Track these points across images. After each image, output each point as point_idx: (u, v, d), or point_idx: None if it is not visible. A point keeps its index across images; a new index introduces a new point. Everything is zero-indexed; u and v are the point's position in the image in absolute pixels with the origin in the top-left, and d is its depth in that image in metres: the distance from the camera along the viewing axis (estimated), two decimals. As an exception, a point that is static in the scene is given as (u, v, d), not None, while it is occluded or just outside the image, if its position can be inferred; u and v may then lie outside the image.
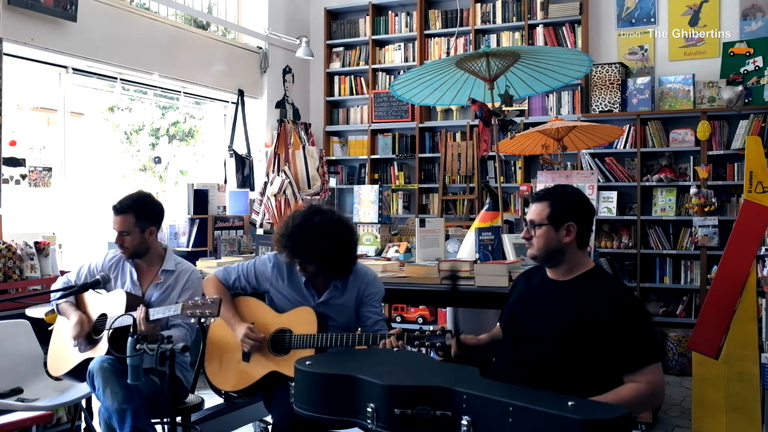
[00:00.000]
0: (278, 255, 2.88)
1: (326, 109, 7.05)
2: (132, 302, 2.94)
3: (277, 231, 2.84)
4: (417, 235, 3.65)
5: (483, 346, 2.50)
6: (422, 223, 3.74)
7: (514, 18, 6.26)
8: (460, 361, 2.39)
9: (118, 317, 2.78)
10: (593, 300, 2.18)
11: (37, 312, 3.52)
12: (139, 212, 3.05)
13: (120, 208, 3.03)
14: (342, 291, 2.86)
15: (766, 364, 3.52)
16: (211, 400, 3.63)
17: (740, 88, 5.37)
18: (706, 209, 5.34)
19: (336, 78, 7.06)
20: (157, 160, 6.53)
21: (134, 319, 2.55)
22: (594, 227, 4.03)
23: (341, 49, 7.02)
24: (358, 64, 6.94)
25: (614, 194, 5.72)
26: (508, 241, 3.51)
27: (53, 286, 3.26)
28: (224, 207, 5.25)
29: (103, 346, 2.90)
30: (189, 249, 4.89)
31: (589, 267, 2.31)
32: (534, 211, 2.33)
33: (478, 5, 6.40)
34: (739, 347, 3.63)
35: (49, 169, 4.58)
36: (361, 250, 4.14)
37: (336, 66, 7.02)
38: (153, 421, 2.82)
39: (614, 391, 2.06)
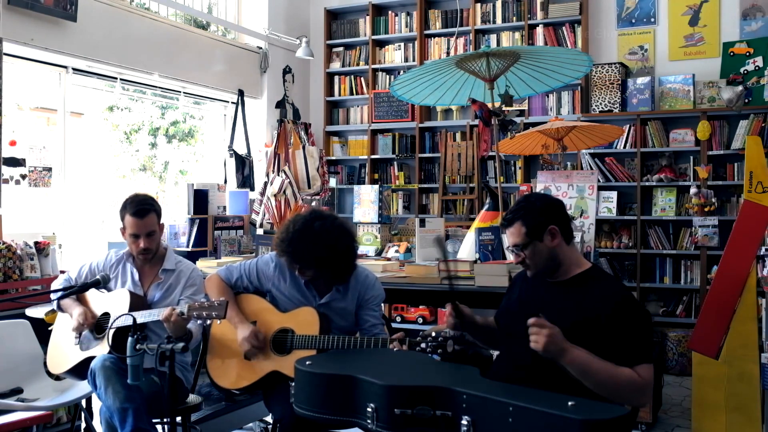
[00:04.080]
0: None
1: (326, 109, 7.05)
2: (136, 302, 2.94)
3: (277, 235, 2.84)
4: (417, 235, 3.65)
5: (477, 327, 2.48)
6: (422, 223, 3.74)
7: (514, 18, 6.26)
8: (460, 360, 2.39)
9: (120, 316, 2.78)
10: (591, 299, 2.18)
11: (37, 312, 3.52)
12: (158, 210, 3.09)
13: (145, 210, 3.01)
14: (344, 294, 2.86)
15: (766, 364, 3.53)
16: (211, 400, 3.63)
17: (740, 88, 5.37)
18: (706, 209, 5.34)
19: (336, 78, 7.06)
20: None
21: (134, 319, 2.55)
22: (594, 227, 4.05)
23: (341, 49, 7.02)
24: (358, 64, 6.94)
25: (614, 194, 5.72)
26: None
27: (53, 284, 3.25)
28: (224, 207, 5.25)
29: (104, 345, 2.90)
30: (189, 249, 4.88)
31: (586, 267, 2.31)
32: (512, 235, 2.30)
33: (478, 5, 6.40)
34: (739, 347, 3.63)
35: (49, 169, 4.57)
36: (361, 250, 4.13)
37: (336, 66, 7.02)
38: (153, 420, 2.82)
39: (615, 365, 2.05)
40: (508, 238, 2.33)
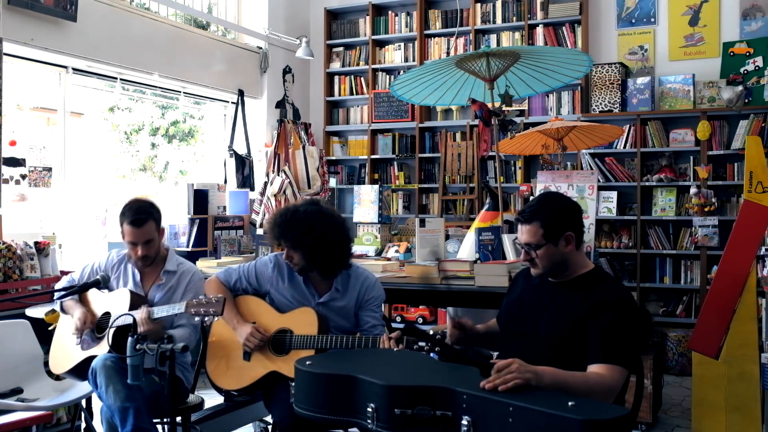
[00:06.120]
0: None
1: (326, 109, 7.05)
2: (136, 301, 2.94)
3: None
4: (417, 235, 3.65)
5: (480, 336, 2.49)
6: (422, 223, 3.73)
7: (514, 18, 6.26)
8: (460, 360, 2.39)
9: (120, 316, 2.78)
10: (591, 300, 2.18)
11: (37, 312, 3.52)
12: (156, 216, 3.05)
13: (142, 219, 2.98)
14: (343, 293, 2.86)
15: (766, 364, 3.53)
16: (211, 400, 3.64)
17: (740, 88, 5.37)
18: (706, 209, 5.34)
19: (336, 78, 7.06)
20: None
21: (134, 319, 2.55)
22: (594, 227, 4.05)
23: (341, 49, 7.02)
24: (358, 64, 6.94)
25: (614, 194, 5.72)
26: (508, 241, 3.51)
27: (57, 286, 3.25)
28: (224, 207, 5.26)
29: (104, 344, 2.90)
30: (189, 249, 4.89)
31: (589, 268, 2.30)
32: (527, 233, 2.26)
33: (478, 5, 6.40)
34: (739, 347, 3.64)
35: (49, 169, 4.57)
36: (361, 250, 4.14)
37: (336, 66, 7.02)
38: (154, 420, 2.82)
39: (583, 374, 2.03)
40: (521, 235, 2.29)
